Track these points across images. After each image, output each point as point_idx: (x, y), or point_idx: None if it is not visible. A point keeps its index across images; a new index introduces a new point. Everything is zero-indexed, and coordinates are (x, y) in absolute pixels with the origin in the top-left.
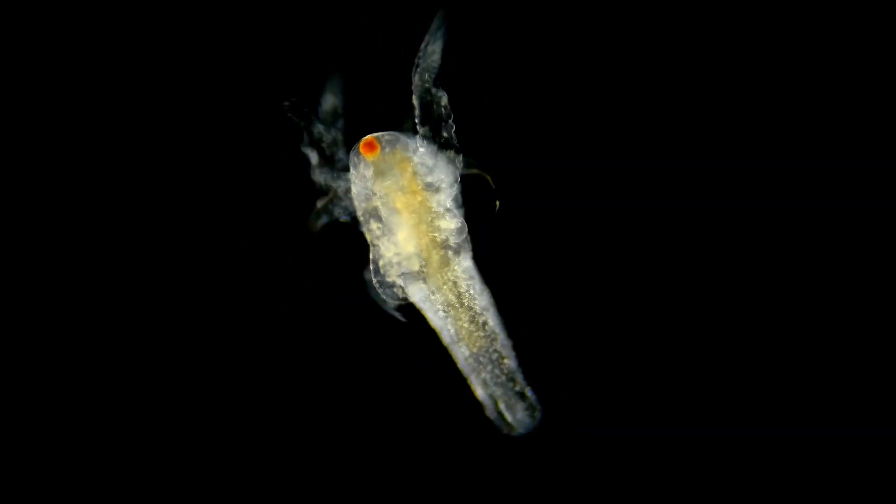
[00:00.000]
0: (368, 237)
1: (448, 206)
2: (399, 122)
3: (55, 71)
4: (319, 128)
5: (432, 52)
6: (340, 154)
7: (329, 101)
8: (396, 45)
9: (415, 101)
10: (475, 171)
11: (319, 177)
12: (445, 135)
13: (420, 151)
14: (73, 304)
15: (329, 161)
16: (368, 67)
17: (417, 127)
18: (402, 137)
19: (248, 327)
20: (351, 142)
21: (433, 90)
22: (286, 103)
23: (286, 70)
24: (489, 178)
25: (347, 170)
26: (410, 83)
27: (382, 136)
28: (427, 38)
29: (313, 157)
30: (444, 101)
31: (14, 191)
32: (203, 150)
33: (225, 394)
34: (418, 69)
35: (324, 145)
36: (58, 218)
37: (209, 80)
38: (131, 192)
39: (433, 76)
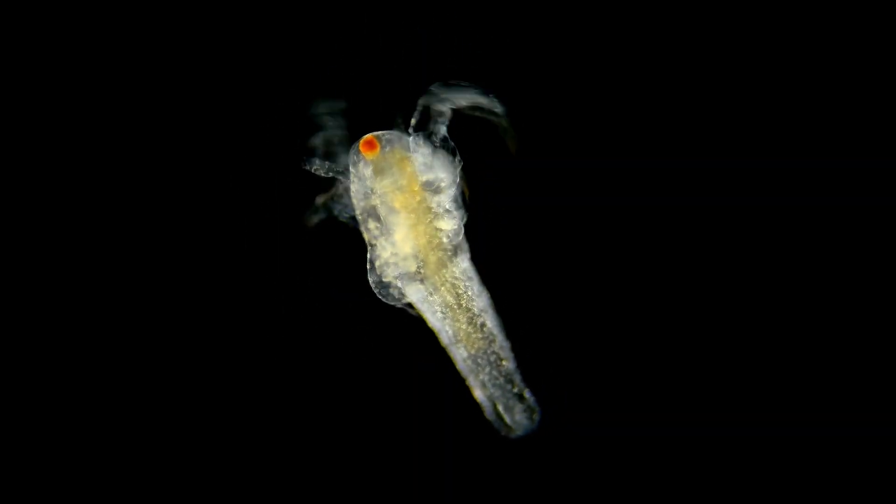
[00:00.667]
0: (366, 237)
1: (447, 206)
2: (399, 122)
3: (56, 72)
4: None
5: (468, 101)
6: (342, 153)
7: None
8: (396, 46)
9: (419, 105)
10: (464, 186)
11: (322, 169)
12: (440, 142)
13: (420, 151)
14: (72, 304)
15: (331, 157)
16: (368, 67)
17: (411, 129)
18: (403, 137)
19: (248, 326)
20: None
21: (443, 109)
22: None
23: (286, 70)
24: (467, 191)
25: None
26: (414, 85)
27: (382, 134)
28: (477, 92)
29: (319, 150)
30: (447, 118)
31: (14, 191)
32: (203, 150)
33: (224, 393)
34: (444, 93)
35: (329, 143)
36: (58, 218)
37: (209, 81)
38: (131, 192)
39: (452, 108)
